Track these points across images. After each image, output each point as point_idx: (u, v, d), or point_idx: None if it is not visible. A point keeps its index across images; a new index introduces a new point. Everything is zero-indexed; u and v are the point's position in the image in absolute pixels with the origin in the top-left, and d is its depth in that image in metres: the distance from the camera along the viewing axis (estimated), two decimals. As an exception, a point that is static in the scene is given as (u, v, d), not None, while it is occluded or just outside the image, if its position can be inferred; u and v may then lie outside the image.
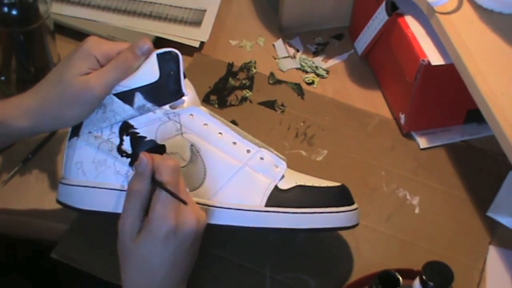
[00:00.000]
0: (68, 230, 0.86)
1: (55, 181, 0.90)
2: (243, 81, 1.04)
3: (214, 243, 0.83)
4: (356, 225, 0.80)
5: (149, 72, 0.77)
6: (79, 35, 1.05)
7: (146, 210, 0.71)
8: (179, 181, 0.72)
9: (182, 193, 0.72)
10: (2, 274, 0.97)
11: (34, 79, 0.82)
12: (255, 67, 1.06)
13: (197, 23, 1.10)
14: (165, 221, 0.70)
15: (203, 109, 0.80)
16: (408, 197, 0.91)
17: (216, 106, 1.00)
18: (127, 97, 0.77)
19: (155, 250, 0.70)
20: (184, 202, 0.71)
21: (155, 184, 0.71)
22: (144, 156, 0.71)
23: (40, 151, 0.93)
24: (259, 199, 0.77)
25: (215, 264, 0.83)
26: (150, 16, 1.10)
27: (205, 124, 0.78)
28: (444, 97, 0.94)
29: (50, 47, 0.98)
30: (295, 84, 1.04)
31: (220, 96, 1.02)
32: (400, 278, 0.75)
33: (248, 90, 1.03)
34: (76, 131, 0.80)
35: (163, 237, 0.70)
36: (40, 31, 0.96)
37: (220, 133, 0.79)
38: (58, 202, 0.83)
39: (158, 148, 0.77)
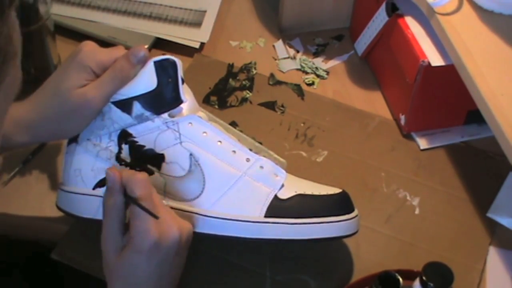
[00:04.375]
0: (68, 231, 0.86)
1: (55, 182, 0.90)
2: (243, 82, 1.04)
3: (214, 244, 0.83)
4: (356, 232, 0.80)
5: (146, 80, 0.76)
6: (79, 36, 1.05)
7: (127, 224, 0.71)
8: (151, 194, 0.71)
9: (157, 206, 0.71)
10: (2, 274, 0.97)
11: (34, 80, 0.82)
12: (255, 68, 1.06)
13: (197, 24, 1.10)
14: (147, 236, 0.69)
15: (202, 116, 0.80)
16: (408, 198, 0.91)
17: (216, 107, 1.00)
18: (125, 105, 0.77)
19: (140, 265, 0.70)
20: (156, 217, 0.70)
21: (128, 199, 0.70)
22: (110, 171, 0.71)
23: (40, 152, 0.93)
24: (259, 209, 0.77)
25: (215, 265, 0.83)
26: (150, 17, 1.10)
27: (204, 133, 0.78)
28: (444, 98, 0.94)
29: (50, 48, 0.98)
30: (295, 85, 1.04)
31: (220, 97, 1.02)
32: (400, 279, 0.75)
33: (248, 91, 1.03)
34: (75, 137, 0.80)
35: (147, 251, 0.69)
36: (40, 32, 0.96)
37: (220, 141, 0.78)
38: (58, 208, 0.82)
39: (157, 158, 0.77)
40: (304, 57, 1.08)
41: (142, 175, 0.71)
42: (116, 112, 0.77)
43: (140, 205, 0.70)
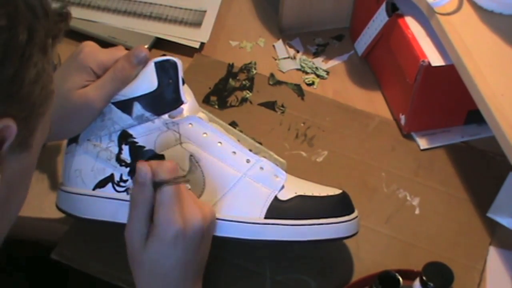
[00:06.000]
0: (68, 231, 0.86)
1: (55, 182, 0.90)
2: (243, 82, 1.04)
3: (214, 244, 0.83)
4: (356, 233, 0.80)
5: (147, 81, 0.76)
6: (79, 36, 1.05)
7: (151, 216, 0.71)
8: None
9: (182, 192, 0.71)
10: (2, 274, 0.97)
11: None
12: (255, 68, 1.06)
13: (197, 24, 1.10)
14: (171, 224, 0.69)
15: (203, 117, 0.79)
16: (408, 198, 0.91)
17: (216, 107, 1.00)
18: (125, 106, 0.77)
19: (165, 253, 0.70)
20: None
21: (156, 186, 0.70)
22: (141, 166, 0.70)
23: (40, 152, 0.93)
24: (259, 211, 0.77)
25: (215, 265, 0.83)
26: (150, 17, 1.10)
27: (205, 133, 0.78)
28: (444, 98, 0.94)
29: (50, 47, 0.98)
30: (295, 85, 1.04)
31: (220, 97, 1.02)
32: (400, 279, 0.75)
33: (248, 91, 1.03)
34: (75, 137, 0.80)
35: (172, 239, 0.70)
36: (40, 31, 0.95)
37: (220, 142, 0.78)
38: (58, 208, 0.82)
39: (157, 158, 0.77)
40: (304, 57, 1.08)
41: (170, 163, 0.71)
42: (117, 112, 0.77)
43: (169, 181, 0.70)
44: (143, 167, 0.70)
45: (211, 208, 0.74)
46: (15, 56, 0.49)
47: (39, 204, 0.88)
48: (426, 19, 0.90)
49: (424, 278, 0.73)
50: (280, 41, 1.10)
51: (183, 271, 0.72)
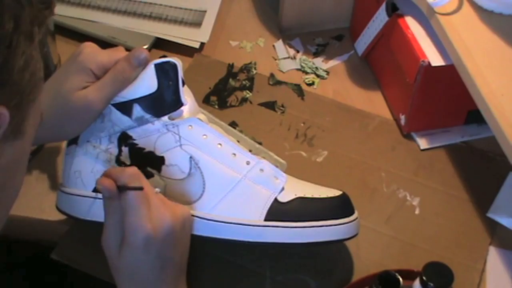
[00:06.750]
0: (68, 231, 0.86)
1: (55, 182, 0.90)
2: (243, 82, 1.04)
3: (214, 244, 0.83)
4: (356, 235, 0.80)
5: (147, 83, 0.76)
6: (79, 36, 1.06)
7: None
8: (140, 182, 0.72)
9: (150, 195, 0.71)
10: (2, 274, 0.97)
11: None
12: (255, 68, 1.06)
13: (197, 24, 1.10)
14: (139, 230, 0.69)
15: (202, 118, 0.79)
16: (408, 198, 0.91)
17: (216, 107, 1.00)
18: (125, 108, 0.76)
19: (140, 259, 0.70)
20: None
21: (119, 190, 0.70)
22: (102, 183, 0.70)
23: (40, 152, 0.93)
24: (259, 213, 0.77)
25: (215, 265, 0.83)
26: (150, 17, 1.10)
27: (204, 135, 0.78)
28: (444, 98, 0.94)
29: (50, 48, 0.98)
30: (295, 85, 1.04)
31: (220, 97, 1.02)
32: (400, 279, 0.75)
33: (248, 91, 1.03)
34: (74, 138, 0.80)
35: (143, 245, 0.70)
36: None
37: (220, 144, 0.78)
38: (58, 209, 0.82)
39: (157, 160, 0.77)
40: (304, 57, 1.08)
41: (131, 169, 0.72)
42: (116, 114, 0.77)
43: (129, 187, 0.70)
44: (104, 186, 0.71)
45: (183, 208, 0.74)
46: (2, 45, 0.50)
47: (39, 204, 0.88)
48: (426, 19, 0.90)
49: (424, 278, 0.73)
50: (280, 41, 1.10)
51: (160, 273, 0.72)
